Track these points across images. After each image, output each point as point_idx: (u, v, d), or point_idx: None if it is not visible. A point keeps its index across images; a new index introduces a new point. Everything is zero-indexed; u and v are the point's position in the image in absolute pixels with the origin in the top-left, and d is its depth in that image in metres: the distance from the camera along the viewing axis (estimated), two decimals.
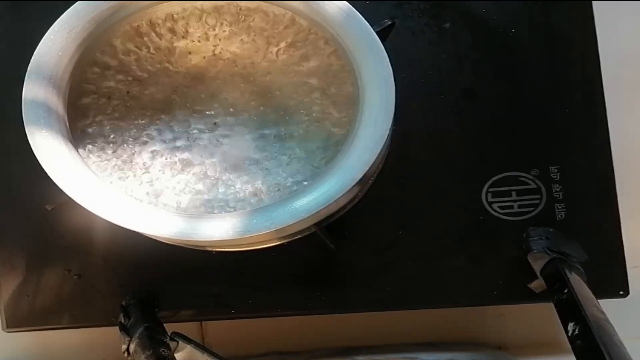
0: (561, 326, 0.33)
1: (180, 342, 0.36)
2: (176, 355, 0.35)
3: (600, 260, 0.38)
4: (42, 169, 0.32)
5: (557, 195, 0.39)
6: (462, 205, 0.40)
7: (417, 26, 0.40)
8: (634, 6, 0.46)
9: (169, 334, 0.36)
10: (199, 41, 0.37)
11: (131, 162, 0.36)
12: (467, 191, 0.39)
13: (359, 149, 0.32)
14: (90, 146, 0.36)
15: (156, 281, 0.40)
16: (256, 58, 0.37)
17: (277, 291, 0.40)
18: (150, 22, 0.37)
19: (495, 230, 0.39)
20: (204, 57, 0.37)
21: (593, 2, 0.40)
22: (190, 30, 0.37)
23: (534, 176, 0.39)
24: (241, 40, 0.37)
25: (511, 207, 0.39)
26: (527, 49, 0.40)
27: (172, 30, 0.37)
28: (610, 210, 0.39)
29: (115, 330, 0.37)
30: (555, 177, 0.39)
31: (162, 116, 0.37)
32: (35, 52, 0.33)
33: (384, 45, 0.33)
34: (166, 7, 0.36)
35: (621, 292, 0.39)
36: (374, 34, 0.33)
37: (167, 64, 0.37)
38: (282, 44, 0.37)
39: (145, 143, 0.37)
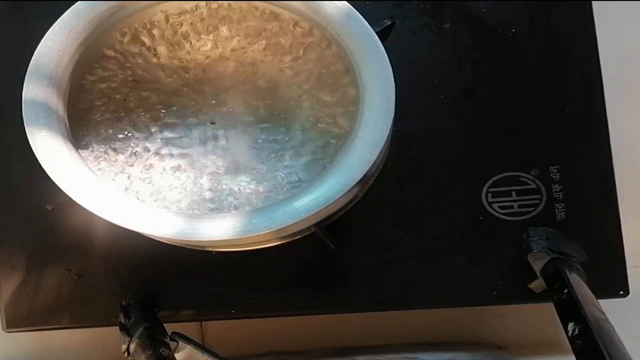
0: (561, 326, 0.33)
1: (180, 342, 0.36)
2: (176, 355, 0.35)
3: (600, 260, 0.38)
4: (42, 169, 0.32)
5: (557, 196, 0.39)
6: (462, 205, 0.40)
7: (417, 26, 0.40)
8: (634, 6, 0.46)
9: (169, 334, 0.36)
10: (199, 41, 0.37)
11: (131, 162, 0.36)
12: (467, 191, 0.39)
13: (359, 149, 0.32)
14: (90, 146, 0.36)
15: (156, 281, 0.40)
16: (256, 59, 0.37)
17: (277, 291, 0.40)
18: (151, 22, 0.37)
19: (495, 230, 0.39)
20: (204, 58, 0.37)
21: (593, 2, 0.40)
22: (191, 30, 0.37)
23: (534, 176, 0.39)
24: (241, 41, 0.37)
25: (511, 207, 0.39)
26: (527, 49, 0.40)
27: (172, 31, 0.37)
28: (610, 210, 0.39)
29: (115, 330, 0.37)
30: (555, 177, 0.39)
31: (163, 116, 0.37)
32: (35, 52, 0.33)
33: (384, 45, 0.33)
34: (166, 8, 0.36)
35: (621, 292, 0.39)
36: (374, 34, 0.33)
37: (167, 65, 0.37)
38: (283, 45, 0.37)
39: (145, 143, 0.37)
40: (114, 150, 0.36)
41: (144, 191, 0.35)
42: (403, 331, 0.45)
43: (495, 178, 0.39)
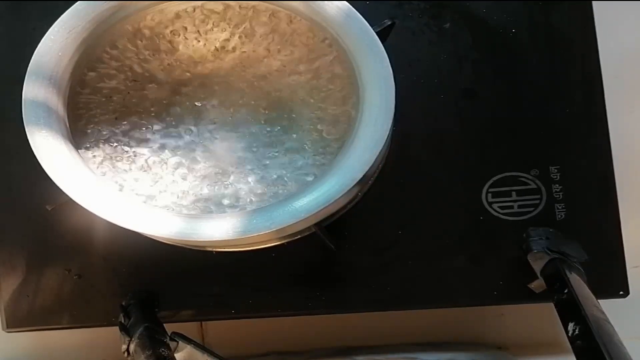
0: (561, 326, 0.33)
1: (180, 342, 0.36)
2: (176, 355, 0.35)
3: (600, 260, 0.38)
4: (42, 169, 0.32)
5: (557, 196, 0.39)
6: (462, 205, 0.40)
7: (417, 26, 0.40)
8: (634, 6, 0.46)
9: (169, 334, 0.36)
10: (199, 41, 0.37)
11: (131, 162, 0.36)
12: (467, 191, 0.39)
13: (359, 149, 0.32)
14: (90, 146, 0.36)
15: (156, 281, 0.40)
16: (257, 59, 0.37)
17: (277, 291, 0.40)
18: (150, 23, 0.37)
19: (495, 230, 0.39)
20: (205, 58, 0.37)
21: (593, 2, 0.40)
22: (191, 30, 0.37)
23: (534, 176, 0.39)
24: (241, 41, 0.37)
25: (511, 207, 0.39)
26: (527, 49, 0.40)
27: (172, 31, 0.37)
28: (610, 210, 0.39)
29: (115, 330, 0.37)
30: (555, 177, 0.39)
31: (162, 116, 0.37)
32: (35, 52, 0.33)
33: (384, 45, 0.33)
34: (166, 7, 0.36)
35: (621, 292, 0.39)
36: (374, 34, 0.33)
37: (167, 64, 0.37)
38: (283, 45, 0.37)
39: (145, 143, 0.37)
40: (114, 150, 0.36)
41: (144, 191, 0.35)
42: (403, 331, 0.45)
43: (495, 178, 0.39)
